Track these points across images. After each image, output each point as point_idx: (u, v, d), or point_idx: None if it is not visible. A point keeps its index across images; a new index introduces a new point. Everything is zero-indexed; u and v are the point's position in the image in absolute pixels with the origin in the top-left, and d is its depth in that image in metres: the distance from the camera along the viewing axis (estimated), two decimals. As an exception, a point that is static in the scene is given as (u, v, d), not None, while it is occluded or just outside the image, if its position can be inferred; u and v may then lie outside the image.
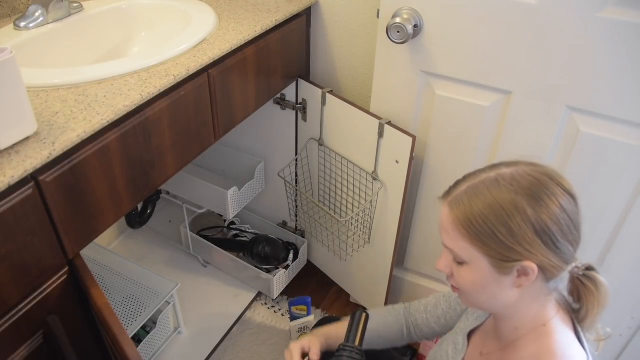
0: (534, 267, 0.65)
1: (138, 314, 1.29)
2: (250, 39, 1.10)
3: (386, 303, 1.51)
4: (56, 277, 0.83)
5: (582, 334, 0.72)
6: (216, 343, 1.51)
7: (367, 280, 1.53)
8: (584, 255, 1.19)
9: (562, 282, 0.72)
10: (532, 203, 0.64)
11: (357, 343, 0.84)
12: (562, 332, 0.71)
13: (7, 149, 0.72)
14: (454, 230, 0.68)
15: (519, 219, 0.64)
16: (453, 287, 0.75)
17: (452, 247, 0.69)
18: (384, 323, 1.02)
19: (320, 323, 1.33)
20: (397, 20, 1.05)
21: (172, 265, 1.75)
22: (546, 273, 0.67)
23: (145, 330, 1.41)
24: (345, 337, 0.86)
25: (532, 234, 0.65)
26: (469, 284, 0.70)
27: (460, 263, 0.70)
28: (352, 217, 1.41)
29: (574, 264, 0.69)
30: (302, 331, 1.47)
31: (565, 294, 0.74)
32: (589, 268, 0.71)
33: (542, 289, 0.70)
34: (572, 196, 0.67)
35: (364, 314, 0.86)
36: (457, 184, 0.72)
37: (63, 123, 0.78)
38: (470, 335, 0.86)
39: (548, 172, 0.67)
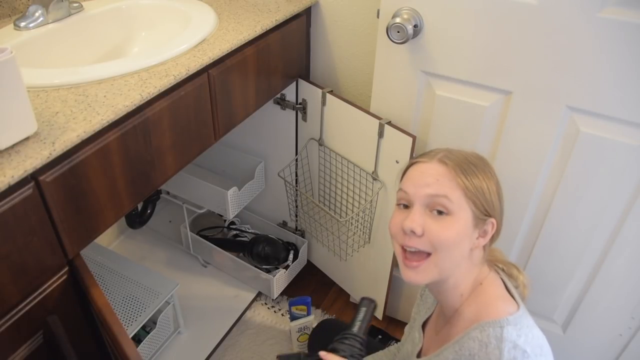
0: (495, 224, 0.78)
1: (138, 314, 1.29)
2: (250, 39, 1.10)
3: (386, 303, 1.52)
4: (56, 277, 0.83)
5: (510, 287, 0.82)
6: (216, 343, 1.51)
7: (367, 280, 1.53)
8: (585, 254, 1.19)
9: None
10: (492, 170, 0.80)
11: (360, 331, 0.82)
12: (495, 287, 0.80)
13: (7, 149, 0.72)
14: (451, 181, 0.75)
15: (493, 181, 0.79)
16: (410, 259, 0.77)
17: (445, 193, 0.75)
18: None
19: (321, 324, 1.34)
20: (397, 20, 1.05)
21: (172, 265, 1.75)
22: (495, 233, 0.80)
23: (145, 330, 1.41)
24: (350, 324, 0.84)
25: (497, 194, 0.79)
26: (453, 235, 0.75)
27: (441, 213, 0.75)
28: (352, 217, 1.41)
29: None
30: (302, 331, 1.47)
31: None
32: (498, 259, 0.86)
33: (482, 251, 0.81)
34: None
35: (374, 304, 0.85)
36: (431, 151, 0.82)
37: (63, 123, 0.78)
38: (424, 326, 0.93)
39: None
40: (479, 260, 0.81)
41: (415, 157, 0.83)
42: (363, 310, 0.85)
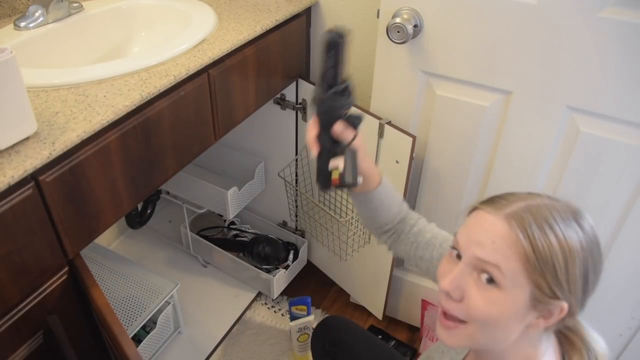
0: (565, 309, 0.61)
1: (138, 314, 1.29)
2: (250, 39, 1.10)
3: (386, 303, 1.52)
4: (56, 277, 0.83)
5: None
6: (216, 343, 1.51)
7: (367, 280, 1.53)
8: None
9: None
10: (590, 251, 0.62)
11: (336, 79, 0.67)
12: None
13: (7, 149, 0.72)
14: (510, 247, 0.59)
15: (578, 261, 0.60)
16: (446, 317, 0.65)
17: (497, 262, 0.60)
18: (391, 196, 0.87)
19: (321, 323, 1.33)
20: (397, 20, 1.05)
21: (172, 265, 1.75)
22: (566, 318, 0.63)
23: (145, 330, 1.40)
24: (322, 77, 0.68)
25: (580, 277, 0.61)
26: (495, 314, 0.61)
27: (490, 282, 0.61)
28: (352, 217, 1.41)
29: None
30: (302, 331, 1.47)
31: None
32: (574, 330, 0.68)
33: (542, 332, 0.65)
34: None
35: (341, 36, 0.64)
36: (507, 198, 0.64)
37: (63, 123, 0.78)
38: None
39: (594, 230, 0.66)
40: (536, 337, 0.66)
41: (484, 200, 0.66)
42: (332, 53, 0.65)
